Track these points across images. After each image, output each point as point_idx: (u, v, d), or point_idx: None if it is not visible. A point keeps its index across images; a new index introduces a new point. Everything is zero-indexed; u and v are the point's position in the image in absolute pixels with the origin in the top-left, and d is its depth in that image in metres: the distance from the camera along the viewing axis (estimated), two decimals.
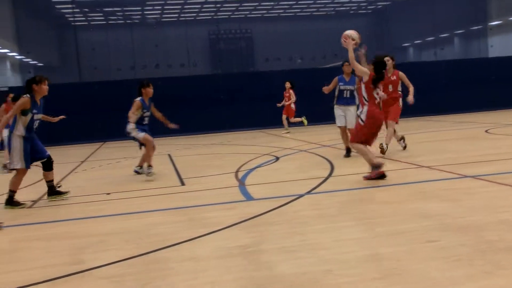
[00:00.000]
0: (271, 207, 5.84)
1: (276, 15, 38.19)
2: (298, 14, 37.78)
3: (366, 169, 7.32)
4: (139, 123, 8.65)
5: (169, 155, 12.42)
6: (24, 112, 6.92)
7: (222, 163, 10.55)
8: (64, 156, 13.95)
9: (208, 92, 18.96)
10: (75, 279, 3.95)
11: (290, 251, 4.22)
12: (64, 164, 11.69)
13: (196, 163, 10.75)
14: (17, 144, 6.93)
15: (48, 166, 7.32)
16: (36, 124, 7.11)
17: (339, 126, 10.07)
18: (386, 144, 9.41)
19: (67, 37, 32.12)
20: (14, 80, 35.32)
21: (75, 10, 30.05)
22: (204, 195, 7.00)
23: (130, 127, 8.57)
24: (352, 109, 9.85)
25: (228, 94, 19.12)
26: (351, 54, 7.15)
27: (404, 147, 10.08)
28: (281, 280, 3.58)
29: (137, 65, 24.31)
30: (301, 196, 6.44)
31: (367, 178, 7.06)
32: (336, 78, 10.07)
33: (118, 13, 32.90)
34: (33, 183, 9.09)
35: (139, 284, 3.71)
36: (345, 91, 9.97)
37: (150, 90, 8.81)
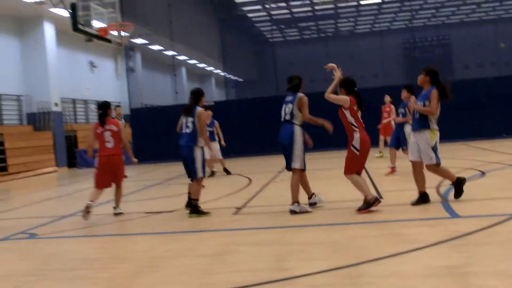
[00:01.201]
0: (480, 226, 5.41)
1: (477, 19, 35.58)
2: (502, 16, 34.64)
3: None
4: None
5: (365, 168, 12.29)
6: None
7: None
8: (265, 166, 14.67)
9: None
10: (280, 286, 4.12)
11: (508, 275, 3.85)
12: (264, 174, 12.34)
13: (394, 176, 10.47)
14: (199, 155, 7.35)
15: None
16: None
17: None
18: None
19: (265, 53, 34.00)
20: (218, 94, 38.59)
21: (273, 27, 31.69)
22: (404, 210, 6.78)
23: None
24: None
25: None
26: (332, 87, 6.78)
27: None
28: None
29: (331, 77, 24.64)
30: None
31: (362, 211, 6.59)
32: None
33: (312, 28, 33.84)
34: (235, 191, 9.77)
35: None
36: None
37: None
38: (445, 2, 32.22)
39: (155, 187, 12.13)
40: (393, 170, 10.48)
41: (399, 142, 10.56)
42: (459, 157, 13.23)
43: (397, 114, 10.75)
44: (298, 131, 7.00)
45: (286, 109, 7.09)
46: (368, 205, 6.63)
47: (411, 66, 31.87)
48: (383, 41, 30.62)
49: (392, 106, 13.42)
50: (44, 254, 5.85)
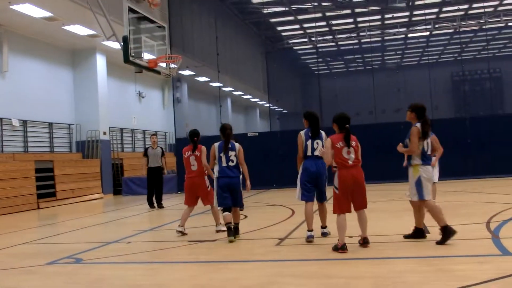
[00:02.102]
0: None
1: None
2: None
3: None
4: None
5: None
6: None
7: (470, 211, 9.79)
8: None
9: (453, 136, 17.98)
10: None
11: None
12: None
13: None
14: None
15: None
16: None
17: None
18: None
19: (310, 85, 34.10)
20: (262, 125, 38.81)
21: (318, 59, 31.82)
22: (452, 245, 6.55)
23: None
24: None
25: (475, 138, 17.87)
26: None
27: None
28: None
29: (377, 109, 24.42)
30: None
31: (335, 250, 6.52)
32: None
33: (358, 60, 33.78)
34: (278, 222, 9.70)
35: None
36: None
37: None
38: (496, 34, 31.66)
39: (198, 216, 12.20)
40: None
41: None
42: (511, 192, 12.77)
43: None
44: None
45: (315, 144, 7.53)
46: (335, 249, 6.52)
47: (461, 99, 31.25)
48: (431, 74, 30.20)
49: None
50: (89, 279, 5.94)
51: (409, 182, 7.10)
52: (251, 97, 36.61)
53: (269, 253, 6.85)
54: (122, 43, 12.94)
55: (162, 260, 6.98)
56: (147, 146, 15.30)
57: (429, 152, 7.14)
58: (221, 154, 8.12)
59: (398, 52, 34.37)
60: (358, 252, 6.43)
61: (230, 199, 8.00)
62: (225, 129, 8.25)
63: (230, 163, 8.04)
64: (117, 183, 21.69)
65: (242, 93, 34.55)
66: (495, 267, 5.26)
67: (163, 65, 14.78)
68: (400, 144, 7.15)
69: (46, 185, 17.46)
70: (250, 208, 12.96)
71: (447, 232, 6.65)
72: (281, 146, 18.99)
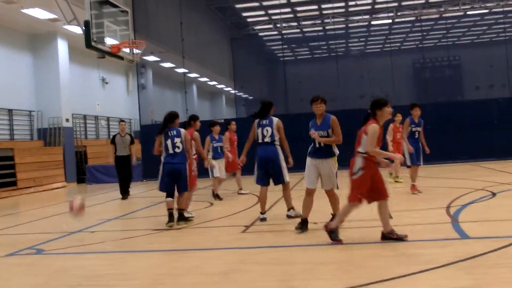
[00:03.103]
0: (491, 248, 5.33)
1: (488, 40, 35.57)
2: None
3: None
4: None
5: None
6: None
7: (430, 197, 10.01)
8: None
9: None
10: None
11: None
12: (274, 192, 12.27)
13: (402, 196, 10.38)
14: None
15: None
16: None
17: None
18: None
19: (276, 71, 34.15)
20: (228, 112, 38.71)
21: (284, 46, 31.84)
22: (414, 230, 6.68)
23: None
24: None
25: (434, 125, 18.24)
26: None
27: None
28: None
29: (340, 96, 24.68)
30: None
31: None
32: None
33: (323, 47, 33.96)
34: (243, 209, 9.72)
35: None
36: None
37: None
38: (456, 23, 32.30)
39: (162, 203, 12.09)
40: (413, 187, 10.53)
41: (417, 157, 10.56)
42: (470, 177, 13.11)
43: (413, 133, 10.60)
44: (280, 150, 8.08)
45: (264, 131, 8.05)
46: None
47: (421, 86, 31.81)
48: (394, 61, 30.61)
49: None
50: (51, 270, 5.83)
51: (327, 173, 6.93)
52: (216, 83, 36.41)
53: (234, 241, 6.85)
54: (83, 28, 12.66)
55: (126, 249, 6.91)
56: (114, 133, 14.17)
57: None
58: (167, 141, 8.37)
59: (361, 39, 34.70)
60: (321, 238, 6.48)
61: (173, 185, 8.28)
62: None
63: (176, 149, 8.33)
64: (81, 171, 21.30)
65: (208, 80, 34.31)
66: (455, 250, 5.39)
67: (127, 50, 14.54)
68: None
69: (6, 174, 17.00)
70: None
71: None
72: (247, 132, 18.90)
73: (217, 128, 11.90)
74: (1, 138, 18.30)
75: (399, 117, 13.03)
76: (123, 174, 13.67)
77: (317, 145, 6.96)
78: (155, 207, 11.54)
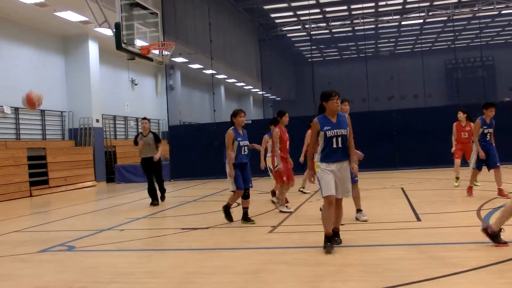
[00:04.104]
0: None
1: None
2: None
3: None
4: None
5: (402, 189, 12.09)
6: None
7: (461, 199, 9.85)
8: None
9: (445, 124, 18.04)
10: None
11: None
12: (300, 194, 12.26)
13: (432, 199, 10.24)
14: None
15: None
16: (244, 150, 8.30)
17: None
18: None
19: (304, 72, 34.06)
20: (255, 113, 38.77)
21: (312, 47, 31.72)
22: (443, 233, 6.60)
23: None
24: None
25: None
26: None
27: None
28: None
29: (370, 97, 24.43)
30: None
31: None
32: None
33: (352, 48, 33.71)
34: (270, 210, 9.72)
35: None
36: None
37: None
38: (489, 22, 31.69)
39: (191, 203, 12.21)
40: (469, 189, 10.06)
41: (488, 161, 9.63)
42: (504, 180, 12.82)
43: (484, 135, 9.66)
44: None
45: None
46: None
47: (453, 87, 31.31)
48: (425, 62, 30.19)
49: (473, 124, 11.11)
50: (82, 267, 5.94)
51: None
52: (244, 84, 36.52)
53: (261, 241, 6.87)
54: (114, 30, 12.84)
55: (155, 248, 6.99)
56: (137, 133, 13.28)
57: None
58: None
59: (391, 40, 34.31)
60: (349, 240, 6.46)
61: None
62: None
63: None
64: (110, 170, 21.64)
65: (236, 81, 34.45)
66: (486, 254, 5.30)
67: (156, 52, 14.70)
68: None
69: (38, 173, 17.40)
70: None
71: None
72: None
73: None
74: (34, 138, 18.74)
75: (461, 115, 12.17)
76: (152, 177, 12.20)
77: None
78: (183, 206, 11.64)
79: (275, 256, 5.92)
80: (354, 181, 7.28)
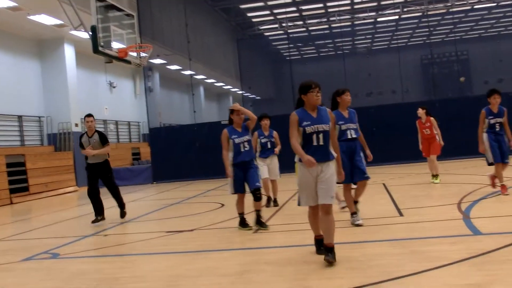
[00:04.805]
0: (503, 244, 5.35)
1: (496, 33, 35.37)
2: None
3: None
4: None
5: (384, 185, 12.24)
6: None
7: (441, 193, 10.02)
8: (285, 184, 14.65)
9: None
10: None
11: None
12: (283, 192, 12.32)
13: (412, 193, 10.39)
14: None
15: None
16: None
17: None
18: None
19: (282, 71, 34.16)
20: None
21: (290, 45, 31.85)
22: (425, 227, 6.72)
23: None
24: None
25: (444, 120, 18.21)
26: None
27: None
28: None
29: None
30: None
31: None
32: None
33: (329, 45, 33.91)
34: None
35: None
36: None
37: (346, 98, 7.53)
38: (463, 17, 32.17)
39: (174, 206, 12.19)
40: (504, 187, 8.96)
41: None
42: (481, 173, 13.07)
43: (492, 126, 8.98)
44: None
45: None
46: None
47: (430, 82, 31.68)
48: (401, 58, 30.52)
49: (433, 119, 11.72)
50: (67, 274, 5.91)
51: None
52: (223, 84, 36.50)
53: (247, 241, 6.91)
54: (90, 33, 12.75)
55: (139, 252, 6.98)
56: (82, 133, 10.55)
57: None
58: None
59: (368, 37, 34.63)
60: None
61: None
62: None
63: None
64: None
65: (215, 81, 34.41)
66: (467, 247, 5.41)
67: (134, 54, 14.64)
68: None
69: (18, 180, 17.17)
70: (227, 196, 12.99)
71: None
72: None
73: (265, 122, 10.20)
74: (13, 145, 18.48)
75: (420, 111, 11.75)
76: (97, 185, 10.07)
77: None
78: (166, 209, 11.62)
79: (262, 256, 5.97)
80: (365, 178, 7.23)
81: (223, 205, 11.20)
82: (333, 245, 5.27)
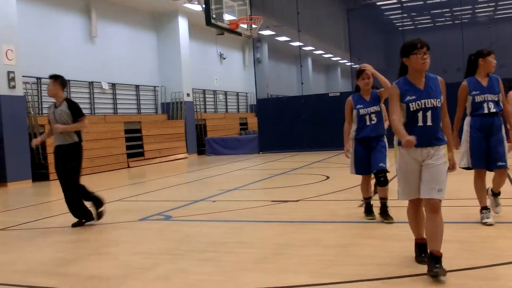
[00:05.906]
0: None
1: None
2: None
3: None
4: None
5: None
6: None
7: None
8: None
9: None
10: (408, 282, 4.02)
11: None
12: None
13: None
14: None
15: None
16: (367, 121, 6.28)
17: None
18: None
19: (394, 42, 32.91)
20: (343, 85, 38.18)
21: (403, 15, 30.55)
22: None
23: None
24: None
25: None
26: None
27: None
28: None
29: (462, 65, 23.19)
30: None
31: None
32: None
33: (446, 14, 32.06)
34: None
35: None
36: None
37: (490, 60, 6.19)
38: None
39: (279, 176, 12.36)
40: None
41: None
42: None
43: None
44: None
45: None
46: None
47: None
48: None
49: None
50: (178, 236, 6.24)
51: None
52: (332, 56, 36.00)
53: (351, 215, 6.85)
54: (203, 6, 13.10)
55: (246, 219, 7.18)
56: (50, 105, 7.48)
57: None
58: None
59: (490, 4, 32.21)
60: (443, 217, 6.27)
61: None
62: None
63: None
64: (201, 143, 22.34)
65: (323, 52, 34.05)
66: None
67: (244, 26, 14.85)
68: None
69: (135, 145, 18.33)
70: (332, 169, 12.96)
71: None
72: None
73: None
74: (130, 112, 19.70)
75: None
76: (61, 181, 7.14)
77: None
78: (272, 179, 11.82)
79: (367, 231, 5.90)
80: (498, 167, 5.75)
81: (328, 177, 11.16)
82: (441, 253, 4.04)
